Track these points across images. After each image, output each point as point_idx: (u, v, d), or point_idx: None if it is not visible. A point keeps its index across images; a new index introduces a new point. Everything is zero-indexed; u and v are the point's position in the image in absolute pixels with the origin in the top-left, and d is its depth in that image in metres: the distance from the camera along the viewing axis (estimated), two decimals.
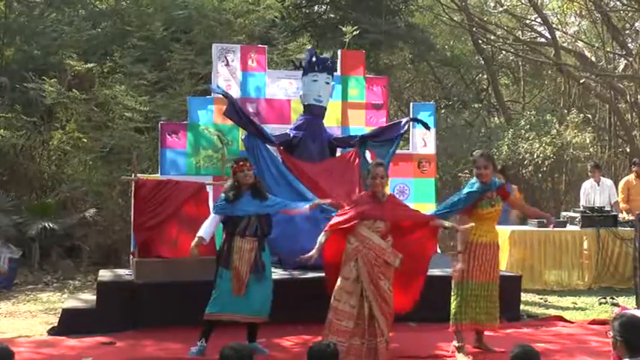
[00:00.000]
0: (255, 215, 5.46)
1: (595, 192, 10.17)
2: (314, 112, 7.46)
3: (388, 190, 5.52)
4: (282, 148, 7.27)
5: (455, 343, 5.58)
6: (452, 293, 5.60)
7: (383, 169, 5.38)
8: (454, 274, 5.60)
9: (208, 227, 5.56)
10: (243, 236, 5.43)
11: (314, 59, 7.52)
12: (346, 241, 5.28)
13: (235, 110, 6.94)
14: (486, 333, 5.79)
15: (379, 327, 5.14)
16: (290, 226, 6.47)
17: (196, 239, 5.50)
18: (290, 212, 5.87)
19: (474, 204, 5.54)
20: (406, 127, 7.48)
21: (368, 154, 7.39)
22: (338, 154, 7.77)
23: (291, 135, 7.36)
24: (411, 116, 8.53)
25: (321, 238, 5.32)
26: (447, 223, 5.51)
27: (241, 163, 5.60)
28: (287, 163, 7.09)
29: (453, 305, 5.58)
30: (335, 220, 5.40)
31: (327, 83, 7.56)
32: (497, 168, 5.69)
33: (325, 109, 7.60)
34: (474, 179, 5.67)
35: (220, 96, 8.06)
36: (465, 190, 5.64)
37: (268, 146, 7.12)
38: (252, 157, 6.84)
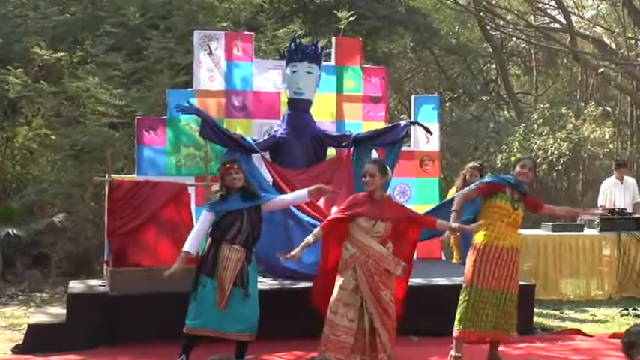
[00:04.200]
0: (247, 216, 5.43)
1: (617, 191, 10.12)
2: (296, 107, 7.36)
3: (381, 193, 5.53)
4: (267, 155, 7.25)
5: (452, 352, 5.59)
6: (460, 297, 5.62)
7: (374, 166, 5.36)
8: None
9: (194, 239, 5.48)
10: (232, 243, 5.41)
11: (292, 47, 7.42)
12: (342, 247, 5.28)
13: (212, 129, 6.89)
14: (500, 348, 5.81)
15: (381, 342, 5.13)
16: (278, 231, 6.46)
17: (182, 254, 5.43)
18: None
19: (490, 194, 5.64)
20: (405, 131, 7.38)
21: (374, 153, 7.37)
22: (329, 151, 7.73)
23: (277, 136, 7.33)
24: (411, 119, 8.50)
25: (310, 237, 5.32)
26: (453, 225, 5.49)
27: (228, 165, 5.57)
28: (272, 173, 7.07)
29: (458, 310, 5.59)
30: (330, 217, 5.44)
31: (309, 73, 7.37)
32: (533, 179, 5.81)
33: (310, 102, 7.46)
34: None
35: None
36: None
37: (253, 155, 7.08)
38: None
